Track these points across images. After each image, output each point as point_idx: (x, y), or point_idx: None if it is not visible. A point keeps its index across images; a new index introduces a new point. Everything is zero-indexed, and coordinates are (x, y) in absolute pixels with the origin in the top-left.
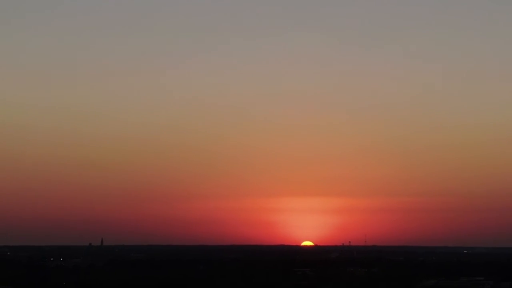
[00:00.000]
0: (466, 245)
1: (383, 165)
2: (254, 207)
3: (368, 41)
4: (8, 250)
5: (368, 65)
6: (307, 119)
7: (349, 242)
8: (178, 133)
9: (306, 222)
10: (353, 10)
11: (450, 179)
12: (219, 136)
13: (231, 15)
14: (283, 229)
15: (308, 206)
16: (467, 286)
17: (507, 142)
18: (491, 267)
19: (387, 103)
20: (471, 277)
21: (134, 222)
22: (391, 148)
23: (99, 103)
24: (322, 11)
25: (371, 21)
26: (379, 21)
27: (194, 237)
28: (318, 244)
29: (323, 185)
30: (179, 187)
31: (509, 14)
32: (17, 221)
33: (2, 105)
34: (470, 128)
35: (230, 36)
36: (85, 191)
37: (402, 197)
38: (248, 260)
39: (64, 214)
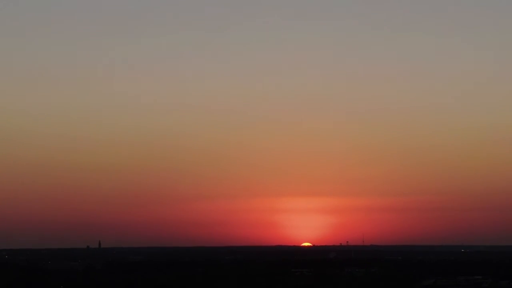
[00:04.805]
0: (464, 243)
1: (381, 165)
2: (251, 207)
3: (367, 43)
4: (6, 253)
5: (367, 67)
6: (306, 120)
7: (347, 242)
8: (175, 135)
9: (304, 222)
10: (352, 11)
11: (448, 178)
12: (215, 137)
13: (229, 17)
14: (281, 230)
15: (306, 206)
16: (466, 285)
17: (503, 142)
18: (489, 265)
19: (387, 105)
20: (469, 276)
21: (132, 224)
22: (389, 148)
23: (98, 106)
24: (322, 12)
25: (369, 23)
26: (378, 23)
27: (192, 238)
28: (316, 244)
29: (321, 185)
30: (176, 189)
31: (509, 15)
32: (15, 224)
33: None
34: (468, 128)
35: (230, 37)
36: (83, 194)
37: (400, 196)
38: (246, 261)
39: (62, 217)
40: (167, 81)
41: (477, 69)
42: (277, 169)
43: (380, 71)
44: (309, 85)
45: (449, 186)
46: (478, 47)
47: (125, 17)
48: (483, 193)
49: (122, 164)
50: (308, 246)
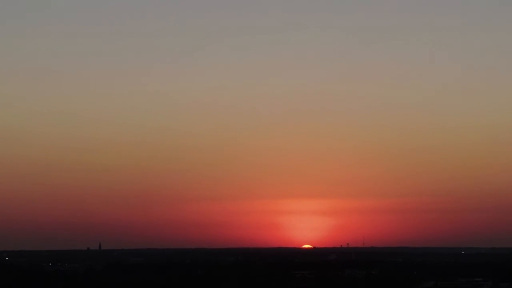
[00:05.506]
0: (464, 245)
1: (381, 166)
2: (252, 209)
3: (367, 43)
4: (7, 255)
5: (366, 68)
6: (307, 121)
7: (347, 244)
8: (175, 136)
9: (305, 224)
10: (352, 12)
11: (449, 179)
12: (216, 139)
13: (232, 17)
14: (281, 231)
15: (306, 208)
16: (466, 287)
17: (503, 142)
18: (489, 267)
19: (386, 105)
20: (469, 278)
21: (132, 225)
22: (389, 149)
23: (99, 106)
24: (322, 13)
25: (369, 23)
26: (378, 23)
27: (193, 240)
28: (317, 246)
29: (321, 187)
30: (177, 190)
31: (508, 15)
32: (15, 226)
33: (1, 109)
34: (468, 129)
35: (230, 38)
36: (83, 195)
37: (400, 198)
38: (247, 263)
39: (62, 219)
40: (169, 81)
41: (477, 69)
42: (278, 171)
43: (379, 72)
44: (311, 87)
45: (449, 187)
46: (477, 47)
47: (127, 17)
48: (483, 194)
49: (123, 164)
50: (308, 248)
